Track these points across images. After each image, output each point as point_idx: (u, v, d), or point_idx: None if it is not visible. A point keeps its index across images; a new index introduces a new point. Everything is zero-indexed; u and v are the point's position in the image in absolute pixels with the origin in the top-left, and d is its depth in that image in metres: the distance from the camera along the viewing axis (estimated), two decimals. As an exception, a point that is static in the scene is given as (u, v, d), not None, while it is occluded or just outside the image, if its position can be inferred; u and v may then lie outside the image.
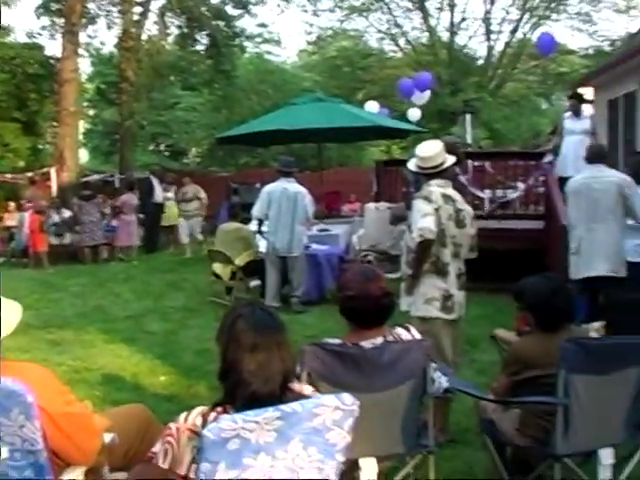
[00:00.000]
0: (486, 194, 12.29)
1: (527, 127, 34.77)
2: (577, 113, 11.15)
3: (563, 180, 10.56)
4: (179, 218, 17.61)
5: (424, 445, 3.86)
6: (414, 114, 18.57)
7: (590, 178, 7.24)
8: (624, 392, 3.89)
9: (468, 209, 5.59)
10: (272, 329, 2.86)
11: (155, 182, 18.11)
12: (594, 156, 7.46)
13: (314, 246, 11.09)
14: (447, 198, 5.42)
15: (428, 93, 16.06)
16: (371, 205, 12.49)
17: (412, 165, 5.62)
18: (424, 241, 5.14)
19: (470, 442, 5.22)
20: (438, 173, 5.48)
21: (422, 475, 3.96)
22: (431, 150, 5.53)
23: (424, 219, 5.18)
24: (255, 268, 10.78)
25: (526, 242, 11.17)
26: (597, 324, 6.29)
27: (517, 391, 4.10)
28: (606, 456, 3.84)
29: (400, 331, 3.87)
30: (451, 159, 5.56)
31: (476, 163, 12.71)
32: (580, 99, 11.75)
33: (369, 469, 3.61)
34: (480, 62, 37.28)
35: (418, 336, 3.96)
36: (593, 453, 3.91)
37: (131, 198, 17.10)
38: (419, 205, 5.28)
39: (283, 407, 2.68)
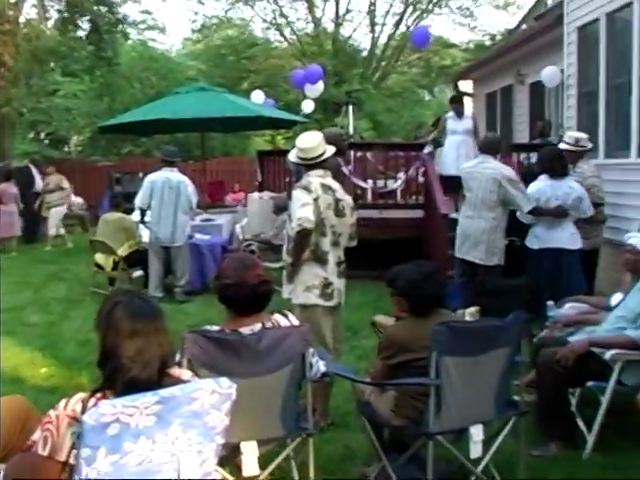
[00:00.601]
0: (368, 184, 12.50)
1: (410, 119, 35.20)
2: (459, 114, 11.47)
3: (444, 178, 10.90)
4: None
5: (303, 428, 3.95)
6: (308, 106, 18.67)
7: (473, 167, 7.51)
8: (493, 372, 4.07)
9: (347, 199, 5.70)
10: (150, 316, 2.89)
11: (35, 171, 17.63)
12: (484, 147, 7.75)
13: (197, 236, 11.05)
14: (326, 188, 5.50)
15: (321, 85, 16.16)
16: (255, 195, 12.55)
17: (292, 156, 5.70)
18: (303, 230, 5.22)
19: (350, 425, 5.35)
20: (318, 164, 5.56)
21: (302, 458, 4.05)
22: (311, 141, 5.60)
23: (303, 209, 5.26)
24: (138, 258, 10.68)
25: (407, 231, 11.48)
26: (473, 309, 6.54)
27: (392, 374, 4.26)
28: (477, 433, 4.03)
29: (278, 317, 3.95)
30: (330, 150, 5.65)
31: (359, 154, 12.93)
32: (462, 99, 12.23)
33: (250, 452, 3.67)
34: (364, 54, 37.69)
35: (296, 322, 4.05)
36: (465, 430, 4.09)
37: (9, 187, 16.52)
38: (298, 195, 5.36)
39: (162, 392, 2.72)
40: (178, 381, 2.90)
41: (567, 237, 7.39)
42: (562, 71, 12.09)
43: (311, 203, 5.32)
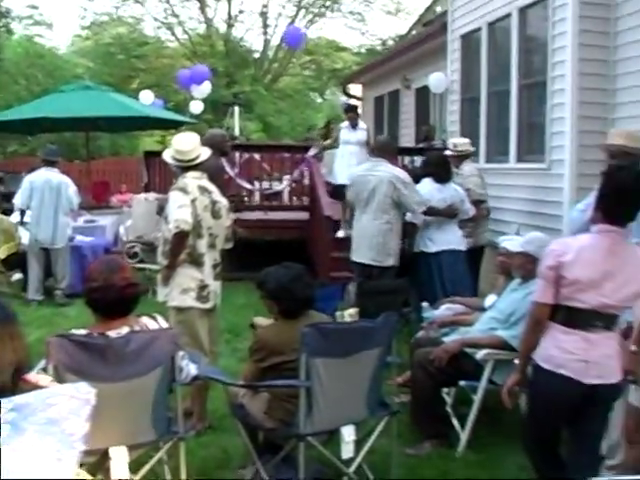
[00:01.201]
0: (254, 186, 12.49)
1: (301, 121, 35.44)
2: (354, 125, 11.37)
3: (335, 188, 10.92)
4: None
5: (175, 432, 3.91)
6: (196, 106, 18.53)
7: (368, 170, 7.55)
8: (364, 372, 4.12)
9: (223, 201, 5.67)
10: (3, 320, 2.79)
11: None
12: (377, 150, 7.80)
13: (79, 238, 10.79)
14: (203, 190, 5.47)
15: (208, 86, 16.04)
16: (140, 196, 12.34)
17: (167, 157, 5.63)
18: (180, 232, 5.17)
19: (227, 428, 5.31)
20: (194, 165, 5.53)
21: (175, 462, 4.01)
22: (188, 143, 5.56)
23: (180, 210, 5.21)
24: (17, 260, 10.37)
25: (292, 232, 11.51)
26: (352, 310, 6.58)
27: (264, 376, 4.25)
28: (348, 433, 4.07)
29: (146, 320, 3.89)
30: (206, 152, 5.63)
31: (245, 155, 12.91)
32: (357, 110, 12.06)
33: (119, 458, 3.60)
34: (256, 55, 37.67)
35: (165, 325, 4.00)
36: (337, 431, 4.10)
37: None
38: (175, 196, 5.30)
39: (16, 399, 2.63)
40: (35, 387, 2.81)
41: (457, 238, 7.70)
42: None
43: (188, 205, 5.27)
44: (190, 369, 3.99)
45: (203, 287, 5.42)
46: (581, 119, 8.18)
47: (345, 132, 11.40)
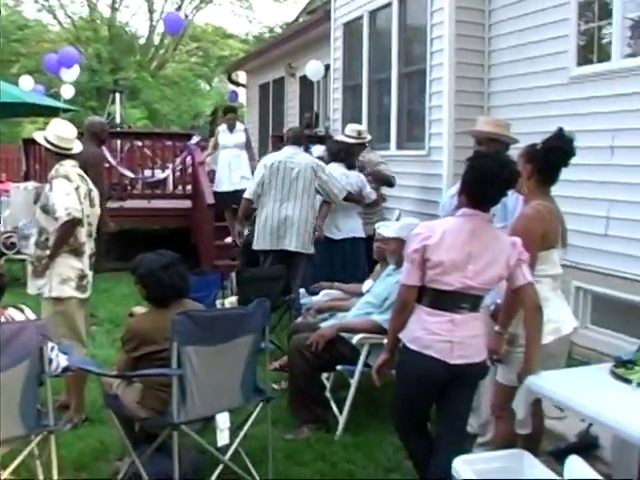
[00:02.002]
0: (137, 174, 12.31)
1: (187, 108, 35.15)
2: (231, 127, 11.15)
3: (217, 195, 10.73)
4: None
5: (45, 425, 3.83)
6: (67, 91, 18.03)
7: (288, 157, 7.50)
8: (238, 359, 4.13)
9: (95, 189, 5.59)
10: None
11: None
12: (293, 139, 7.73)
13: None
14: (82, 178, 5.43)
15: (77, 69, 15.61)
16: (19, 185, 11.99)
17: (44, 141, 5.47)
18: (72, 219, 5.10)
19: (105, 420, 5.21)
20: (71, 154, 5.44)
21: (48, 456, 3.93)
22: (70, 131, 5.49)
23: (68, 198, 5.14)
24: None
25: (176, 221, 11.44)
26: (232, 298, 6.62)
27: (138, 366, 4.21)
28: (222, 421, 4.07)
29: (12, 312, 3.81)
30: (79, 144, 5.55)
31: (127, 143, 12.71)
32: (236, 111, 11.94)
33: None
34: (142, 41, 37.06)
35: (33, 316, 3.92)
36: (213, 419, 4.11)
37: None
38: (61, 184, 5.19)
39: None
40: None
41: (359, 226, 7.84)
42: (327, 66, 12.43)
43: (74, 192, 5.20)
44: (60, 360, 3.92)
45: (82, 277, 5.34)
46: (458, 107, 8.39)
47: (223, 136, 11.20)
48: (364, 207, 8.01)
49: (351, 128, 8.39)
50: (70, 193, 5.17)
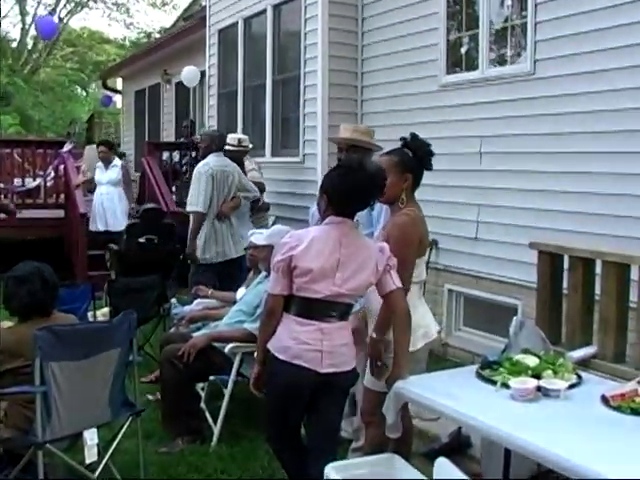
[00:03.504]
0: (6, 183, 11.92)
1: (63, 114, 34.27)
2: (106, 162, 10.65)
3: (90, 233, 10.35)
4: None
5: None
6: None
7: (221, 165, 7.45)
8: (105, 374, 4.02)
9: None
10: None
11: None
12: (220, 146, 7.62)
13: None
14: None
15: None
16: None
17: None
18: None
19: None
20: None
21: None
22: None
23: None
24: None
25: (48, 230, 11.10)
26: (105, 309, 6.47)
27: (1, 382, 4.05)
28: (90, 437, 3.95)
29: None
30: None
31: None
32: (112, 145, 11.38)
33: None
34: (14, 45, 35.92)
35: None
36: (80, 435, 3.98)
37: None
38: None
39: None
40: None
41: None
42: (203, 72, 12.33)
43: None
44: None
45: None
46: (331, 114, 8.46)
47: (98, 171, 10.75)
48: (254, 213, 8.05)
49: (231, 137, 8.36)
50: None
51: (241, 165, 8.00)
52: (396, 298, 3.65)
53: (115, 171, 10.62)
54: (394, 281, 3.63)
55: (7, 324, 4.92)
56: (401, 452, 3.74)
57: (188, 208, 7.51)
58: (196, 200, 7.33)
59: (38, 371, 3.67)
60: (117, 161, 10.82)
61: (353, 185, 3.58)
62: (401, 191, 4.00)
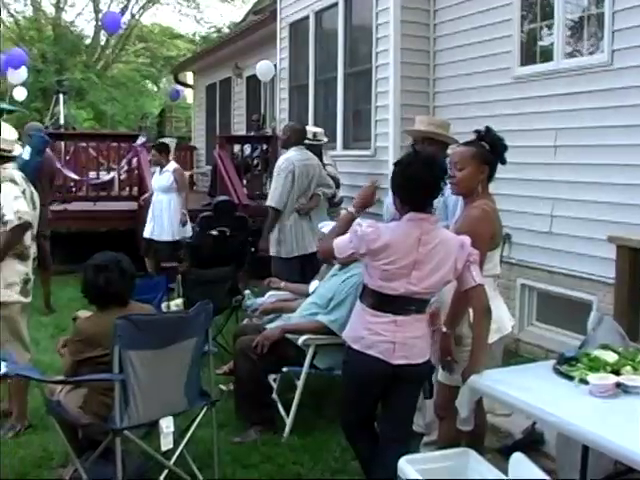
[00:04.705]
0: (81, 176, 12.16)
1: (135, 109, 34.81)
2: (160, 167, 10.08)
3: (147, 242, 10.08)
4: None
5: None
6: (20, 93, 17.78)
7: (306, 159, 7.55)
8: (181, 363, 4.08)
9: (35, 192, 5.50)
10: None
11: None
12: (300, 139, 7.76)
13: None
14: (26, 180, 5.36)
15: (25, 71, 15.42)
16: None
17: None
18: (24, 223, 5.03)
19: (49, 426, 5.11)
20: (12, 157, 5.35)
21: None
22: (13, 133, 5.45)
23: (18, 201, 5.06)
24: None
25: (122, 223, 11.31)
26: (178, 300, 6.55)
27: (81, 370, 4.15)
28: (166, 425, 4.01)
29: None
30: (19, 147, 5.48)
31: (72, 145, 12.57)
32: (166, 149, 10.48)
33: None
34: (88, 41, 36.58)
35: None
36: (157, 423, 4.04)
37: None
38: (9, 188, 5.09)
39: None
40: None
41: None
42: (275, 66, 12.40)
43: (21, 196, 5.13)
44: (-2, 367, 3.84)
45: (27, 281, 5.26)
46: (403, 107, 8.43)
47: (154, 176, 10.36)
48: (330, 207, 8.15)
49: (307, 130, 8.39)
50: (18, 197, 5.09)
51: (320, 159, 8.03)
52: (476, 294, 3.63)
53: (165, 177, 9.91)
54: (474, 277, 3.60)
55: (85, 313, 5.02)
56: (474, 447, 3.70)
57: (267, 202, 7.71)
58: (272, 195, 7.53)
59: (117, 359, 3.74)
60: (170, 165, 10.06)
61: (412, 178, 3.58)
62: (477, 183, 3.97)
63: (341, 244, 3.71)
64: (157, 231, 9.80)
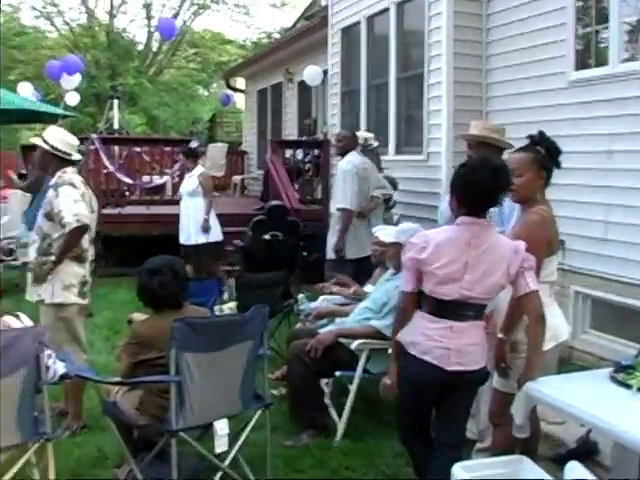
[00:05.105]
0: (135, 180, 12.30)
1: (186, 114, 35.17)
2: (188, 172, 10.12)
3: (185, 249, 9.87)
4: None
5: (42, 433, 3.81)
6: (72, 98, 18.07)
7: (362, 164, 7.62)
8: (236, 366, 4.11)
9: (94, 196, 5.60)
10: None
11: None
12: (354, 144, 7.87)
13: None
14: (85, 184, 5.46)
15: (79, 77, 15.67)
16: (17, 191, 11.98)
17: (44, 144, 5.44)
18: (82, 226, 5.13)
19: (104, 427, 5.18)
20: (69, 160, 5.43)
21: (44, 464, 3.91)
22: (72, 138, 5.51)
23: (77, 205, 5.16)
24: None
25: (174, 227, 11.34)
26: (231, 304, 6.61)
27: (137, 371, 4.21)
28: (220, 427, 4.05)
29: (9, 319, 3.79)
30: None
31: (126, 149, 12.73)
32: (197, 153, 10.37)
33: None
34: (140, 47, 37.07)
35: (29, 323, 3.91)
36: (211, 425, 4.08)
37: None
38: (68, 191, 5.19)
39: None
40: None
41: None
42: (325, 71, 12.43)
43: (81, 199, 5.23)
44: (57, 368, 3.91)
45: (84, 283, 5.35)
46: (456, 112, 8.40)
47: (183, 183, 10.40)
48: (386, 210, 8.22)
49: (359, 135, 8.42)
50: (78, 200, 5.20)
51: (377, 162, 8.05)
52: (530, 301, 3.59)
53: (191, 181, 9.93)
54: (528, 283, 3.56)
55: (140, 316, 5.09)
56: (527, 455, 3.68)
57: (337, 206, 7.72)
58: (343, 198, 7.55)
59: (173, 361, 3.78)
60: (196, 170, 9.96)
61: (477, 182, 3.54)
62: (537, 189, 3.95)
63: (405, 279, 3.72)
64: (185, 235, 9.82)
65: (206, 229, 9.62)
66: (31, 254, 5.38)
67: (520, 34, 7.86)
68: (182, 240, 9.82)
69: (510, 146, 5.20)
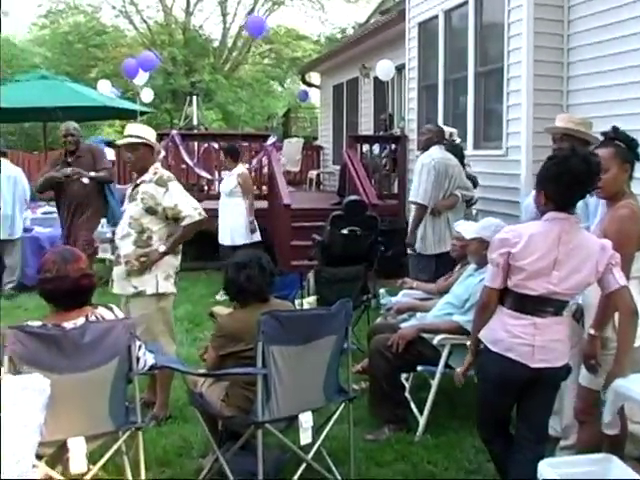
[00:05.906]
0: (213, 175, 12.45)
1: (261, 109, 35.44)
2: (229, 169, 10.06)
3: (223, 249, 9.76)
4: None
5: (133, 422, 3.90)
6: (147, 95, 18.40)
7: (444, 159, 7.54)
8: (321, 359, 4.14)
9: None
10: None
11: None
12: (440, 139, 7.79)
13: (37, 229, 10.67)
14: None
15: (146, 74, 15.97)
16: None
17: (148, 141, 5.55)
18: (203, 219, 5.31)
19: (189, 417, 5.32)
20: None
21: (135, 452, 4.00)
22: (154, 136, 5.62)
23: (190, 198, 5.36)
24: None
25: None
26: (311, 298, 6.66)
27: (223, 364, 4.28)
28: (305, 420, 4.09)
29: (103, 311, 3.88)
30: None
31: (204, 145, 12.90)
32: (237, 151, 10.20)
33: (77, 449, 3.59)
34: (216, 44, 37.47)
35: (121, 315, 4.01)
36: (296, 418, 4.11)
37: None
38: (177, 186, 5.36)
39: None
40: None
41: None
42: (399, 67, 12.38)
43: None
44: (147, 358, 4.00)
45: (177, 274, 5.52)
46: (536, 106, 8.29)
47: (222, 181, 10.45)
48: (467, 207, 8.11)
49: (446, 129, 8.37)
50: (187, 194, 5.38)
51: (462, 159, 7.98)
52: (621, 296, 3.55)
53: (230, 180, 9.87)
54: (617, 279, 3.52)
55: (222, 310, 5.19)
56: (614, 454, 3.63)
57: (410, 198, 7.70)
58: (416, 192, 7.48)
59: (260, 354, 3.83)
60: (236, 169, 9.84)
61: (568, 172, 3.48)
62: (622, 183, 3.89)
63: (491, 275, 3.69)
64: (222, 234, 9.76)
65: (253, 231, 9.62)
66: (124, 248, 5.37)
67: (604, 25, 7.68)
68: (220, 240, 9.77)
69: (596, 140, 5.10)
